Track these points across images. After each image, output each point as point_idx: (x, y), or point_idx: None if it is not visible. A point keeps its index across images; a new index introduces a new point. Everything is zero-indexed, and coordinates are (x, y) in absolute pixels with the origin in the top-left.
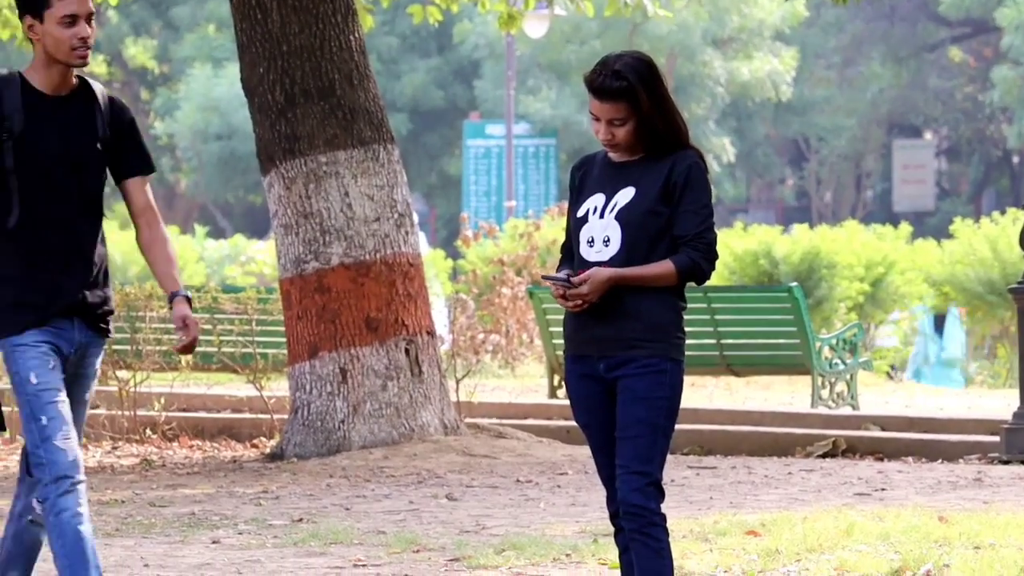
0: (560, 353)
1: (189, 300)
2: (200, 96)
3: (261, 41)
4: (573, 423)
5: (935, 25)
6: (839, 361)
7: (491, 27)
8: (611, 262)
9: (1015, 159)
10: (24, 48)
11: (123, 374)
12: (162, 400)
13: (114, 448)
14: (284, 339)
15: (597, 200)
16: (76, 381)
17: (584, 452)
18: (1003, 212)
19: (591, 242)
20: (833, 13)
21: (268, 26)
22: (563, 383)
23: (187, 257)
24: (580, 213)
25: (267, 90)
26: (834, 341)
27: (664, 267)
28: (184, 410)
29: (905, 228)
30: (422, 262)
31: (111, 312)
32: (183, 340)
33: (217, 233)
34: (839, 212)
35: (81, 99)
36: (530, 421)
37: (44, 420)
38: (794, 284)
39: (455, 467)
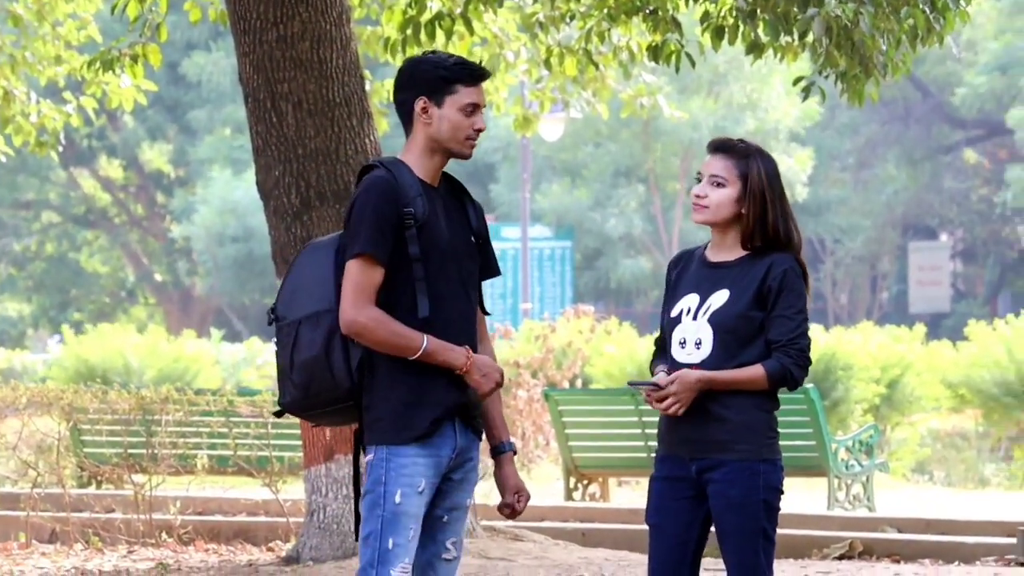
0: (575, 456)
1: (515, 452)
2: (218, 199)
3: (277, 144)
4: (589, 525)
5: (950, 127)
6: (855, 463)
7: (505, 129)
8: (703, 365)
9: None
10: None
11: (138, 478)
12: (178, 504)
13: (130, 552)
14: (300, 442)
15: (691, 301)
16: (460, 487)
17: (600, 555)
18: (1018, 314)
19: (683, 343)
20: (848, 115)
21: (283, 129)
22: (578, 485)
23: (203, 360)
24: (674, 313)
25: (282, 193)
26: (850, 443)
27: (754, 372)
28: (200, 513)
29: (920, 330)
30: None
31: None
32: (514, 507)
33: (233, 336)
34: (855, 313)
35: (451, 190)
36: (546, 523)
37: (390, 544)
38: (810, 386)
39: (471, 570)
